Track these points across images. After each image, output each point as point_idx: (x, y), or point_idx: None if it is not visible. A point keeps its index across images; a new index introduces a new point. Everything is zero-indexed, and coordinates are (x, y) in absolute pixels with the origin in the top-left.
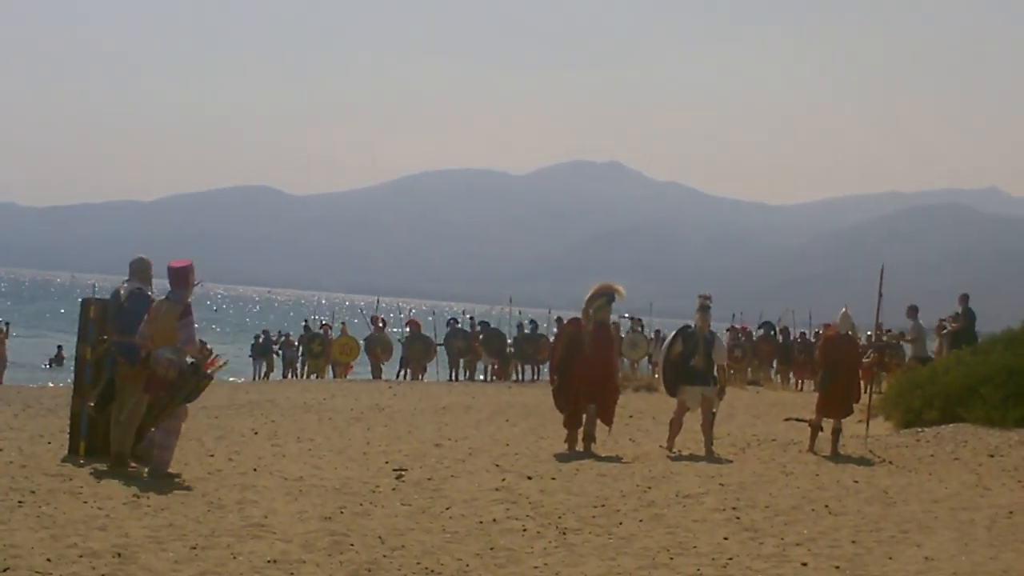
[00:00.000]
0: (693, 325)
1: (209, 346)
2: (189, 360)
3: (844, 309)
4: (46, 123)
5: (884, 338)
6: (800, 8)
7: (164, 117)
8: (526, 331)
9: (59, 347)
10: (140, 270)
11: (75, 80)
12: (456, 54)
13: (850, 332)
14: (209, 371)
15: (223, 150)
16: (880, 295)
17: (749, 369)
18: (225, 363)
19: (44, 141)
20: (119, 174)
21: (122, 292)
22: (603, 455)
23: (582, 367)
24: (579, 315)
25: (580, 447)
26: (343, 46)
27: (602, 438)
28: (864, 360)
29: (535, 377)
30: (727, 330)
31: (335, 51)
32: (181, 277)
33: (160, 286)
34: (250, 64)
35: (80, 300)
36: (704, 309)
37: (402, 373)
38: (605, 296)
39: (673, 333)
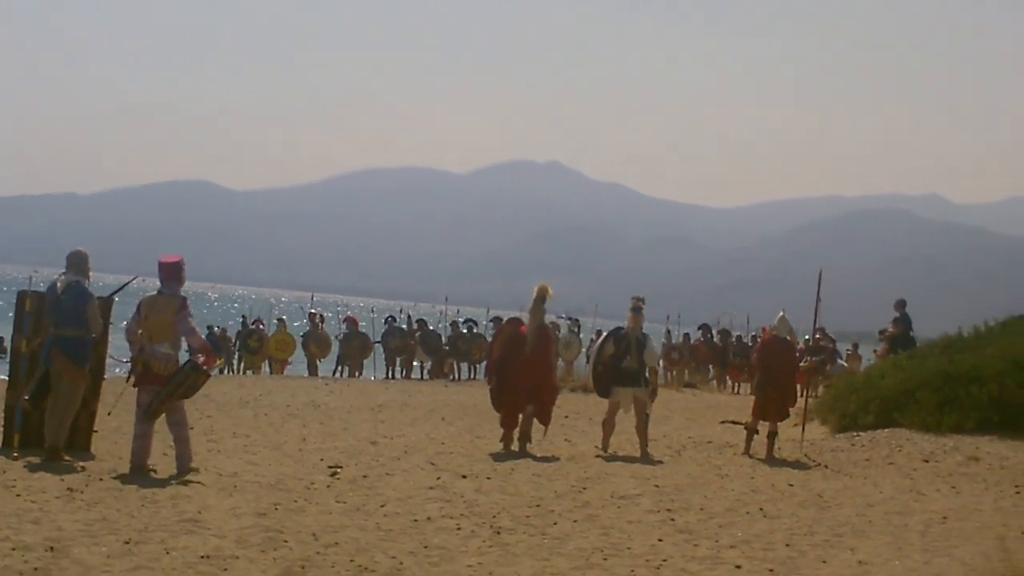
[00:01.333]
0: (625, 326)
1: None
2: (185, 356)
3: (781, 313)
4: None
5: (821, 342)
6: (743, 10)
7: (103, 110)
8: (462, 330)
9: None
10: (77, 263)
11: (17, 70)
12: (398, 53)
13: (787, 336)
14: (206, 367)
15: (161, 145)
16: (818, 299)
17: (686, 371)
18: (221, 361)
19: None
20: (58, 167)
21: (59, 285)
22: (538, 455)
23: (520, 367)
24: (518, 315)
25: (515, 447)
26: (287, 44)
27: (537, 438)
28: (801, 364)
29: (472, 376)
30: (665, 331)
31: (278, 48)
32: (173, 271)
33: (100, 280)
34: (193, 60)
35: (16, 292)
36: (636, 310)
37: (339, 370)
38: (539, 297)
39: (604, 334)
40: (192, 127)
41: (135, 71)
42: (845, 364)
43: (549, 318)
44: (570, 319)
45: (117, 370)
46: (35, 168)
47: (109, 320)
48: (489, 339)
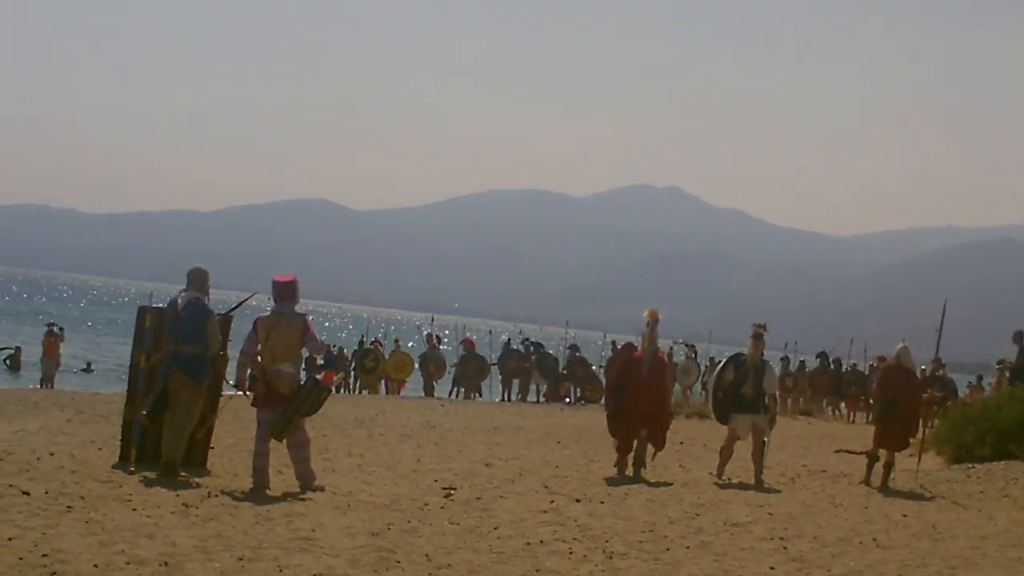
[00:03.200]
0: (745, 353)
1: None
2: (304, 375)
3: (903, 343)
4: (106, 130)
5: (939, 372)
6: (871, 44)
7: (226, 128)
8: (580, 355)
9: (18, 348)
10: (198, 280)
11: (137, 89)
12: (524, 79)
13: (909, 366)
14: (328, 383)
15: (282, 163)
16: (941, 330)
17: (801, 400)
18: (341, 376)
19: (104, 148)
20: (178, 183)
21: (180, 301)
22: (652, 480)
23: (635, 392)
24: (634, 340)
25: (629, 472)
26: (403, 66)
27: (651, 463)
28: (924, 396)
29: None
30: (780, 359)
31: (396, 70)
32: (288, 290)
33: (220, 297)
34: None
35: (137, 308)
36: (757, 337)
37: (454, 391)
38: (652, 321)
39: (724, 360)
40: (312, 146)
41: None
42: (961, 397)
43: (665, 343)
44: (687, 345)
45: (231, 391)
46: (155, 185)
47: (228, 337)
48: (593, 364)
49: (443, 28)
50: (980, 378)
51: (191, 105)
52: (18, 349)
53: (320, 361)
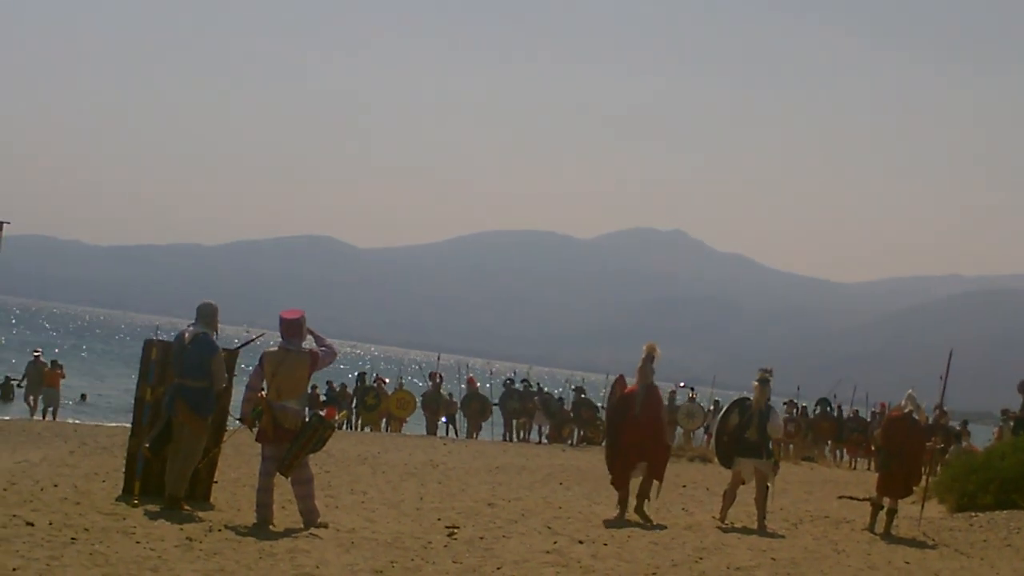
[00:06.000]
0: (750, 397)
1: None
2: (309, 411)
3: (910, 391)
4: (113, 164)
5: (943, 421)
6: (870, 87)
7: (231, 164)
8: (584, 396)
9: (7, 377)
10: (206, 315)
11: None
12: (525, 116)
13: (915, 414)
14: (331, 420)
15: (287, 199)
16: (946, 378)
17: (802, 445)
18: (344, 414)
19: (111, 181)
20: (185, 217)
21: (186, 335)
22: (656, 523)
23: (628, 427)
24: (624, 375)
25: (631, 513)
26: (411, 105)
27: (655, 506)
28: (928, 444)
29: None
30: (784, 404)
31: (402, 109)
32: (295, 328)
33: (223, 332)
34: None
35: (143, 341)
36: (763, 382)
37: (447, 428)
38: (648, 356)
39: (729, 404)
40: (320, 183)
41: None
42: (965, 445)
43: (667, 386)
44: (691, 388)
45: (235, 425)
46: (163, 218)
47: (234, 373)
48: (598, 404)
49: (448, 69)
50: (965, 423)
51: (198, 137)
52: (7, 379)
53: (323, 397)
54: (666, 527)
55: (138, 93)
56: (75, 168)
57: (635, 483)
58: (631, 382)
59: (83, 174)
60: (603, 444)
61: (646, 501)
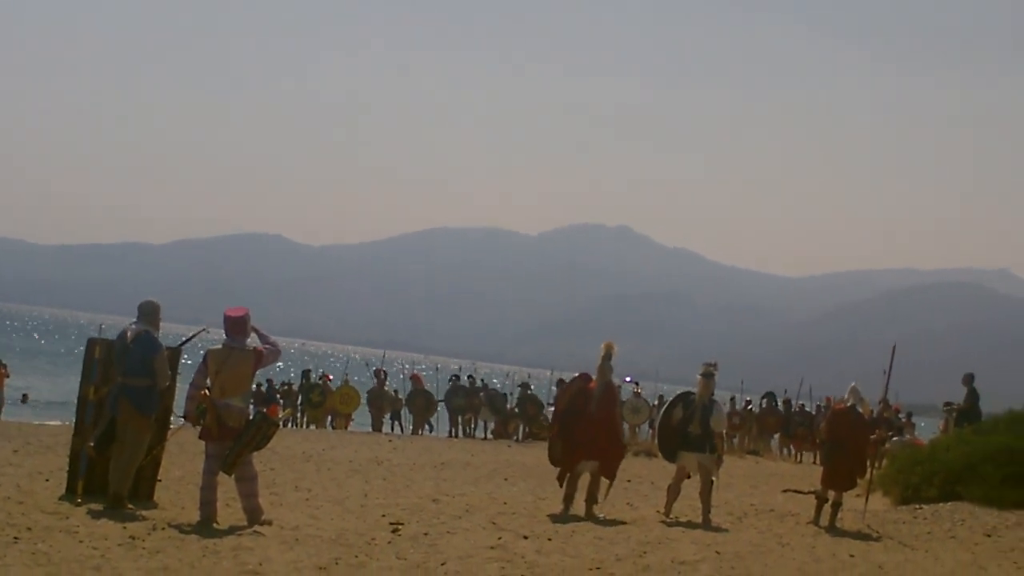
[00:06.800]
0: (694, 392)
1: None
2: (253, 409)
3: (853, 384)
4: (59, 163)
5: (885, 414)
6: (819, 80)
7: (177, 161)
8: (530, 392)
9: None
10: (149, 313)
11: (89, 122)
12: (470, 114)
13: (858, 407)
14: (275, 418)
15: (234, 197)
16: (889, 372)
17: (747, 438)
18: (288, 411)
19: (55, 180)
20: (130, 216)
21: (129, 334)
22: (601, 518)
23: (583, 423)
24: (588, 372)
25: (578, 507)
26: (359, 104)
27: (603, 499)
28: (872, 437)
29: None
30: (730, 399)
31: (350, 108)
32: (239, 325)
33: (170, 331)
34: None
35: (87, 340)
36: (707, 376)
37: (392, 425)
38: (606, 354)
39: (673, 398)
40: (264, 181)
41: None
42: (908, 437)
43: (615, 381)
44: (636, 383)
45: (179, 423)
46: (108, 217)
47: (177, 371)
48: (544, 401)
49: (397, 66)
50: (910, 415)
51: (144, 136)
52: None
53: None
54: (611, 522)
55: (83, 91)
56: (22, 167)
57: (584, 482)
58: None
59: (29, 173)
60: (549, 439)
61: (594, 504)
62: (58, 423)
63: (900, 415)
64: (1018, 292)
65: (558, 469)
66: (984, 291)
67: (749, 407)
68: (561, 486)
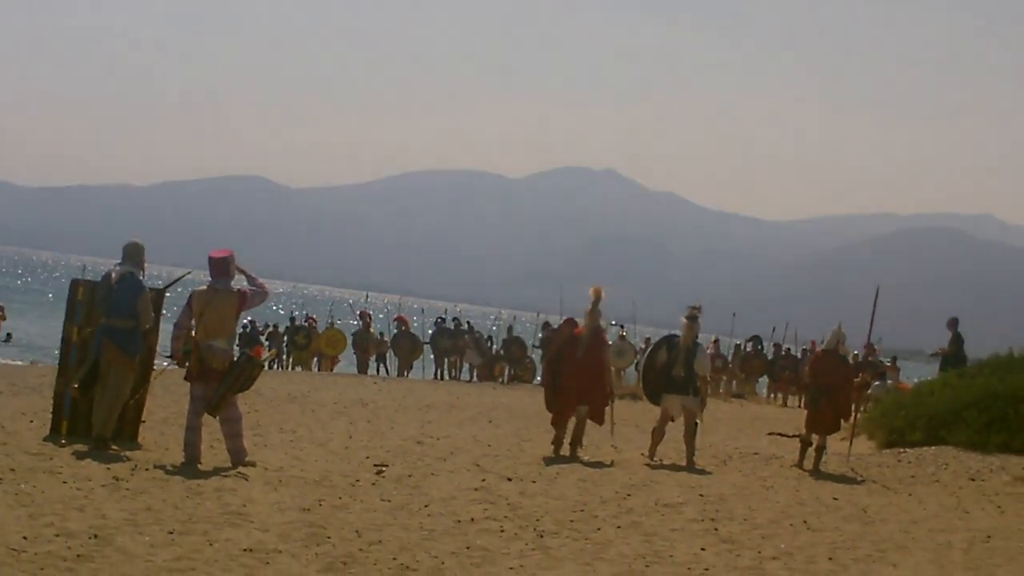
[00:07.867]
0: (679, 335)
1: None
2: (238, 350)
3: (837, 326)
4: (43, 105)
5: (871, 358)
6: (802, 27)
7: (162, 103)
8: (516, 335)
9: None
10: (133, 254)
11: (75, 63)
12: (455, 57)
13: (842, 350)
14: (259, 359)
15: (218, 139)
16: (872, 315)
17: (734, 382)
18: (273, 353)
19: (41, 122)
20: (115, 157)
21: (113, 275)
22: (585, 460)
23: (573, 368)
24: (575, 317)
25: (565, 451)
26: (342, 44)
27: (584, 443)
28: (856, 380)
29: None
30: (713, 341)
31: (336, 49)
32: (222, 267)
33: (154, 272)
34: (251, 56)
35: (70, 281)
36: (692, 319)
37: (378, 367)
38: (595, 299)
39: (657, 341)
40: (249, 122)
41: (193, 66)
42: (891, 383)
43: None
44: (621, 326)
45: (165, 363)
46: (94, 158)
47: (161, 312)
48: (528, 343)
49: (381, 6)
50: (895, 359)
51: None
52: None
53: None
54: (596, 464)
55: (66, 32)
56: (2, 110)
57: (571, 425)
58: (581, 324)
59: (10, 116)
60: (535, 382)
61: (579, 447)
62: (42, 364)
63: (882, 358)
64: (1000, 238)
65: (552, 415)
66: (966, 237)
67: (738, 351)
68: (559, 433)
